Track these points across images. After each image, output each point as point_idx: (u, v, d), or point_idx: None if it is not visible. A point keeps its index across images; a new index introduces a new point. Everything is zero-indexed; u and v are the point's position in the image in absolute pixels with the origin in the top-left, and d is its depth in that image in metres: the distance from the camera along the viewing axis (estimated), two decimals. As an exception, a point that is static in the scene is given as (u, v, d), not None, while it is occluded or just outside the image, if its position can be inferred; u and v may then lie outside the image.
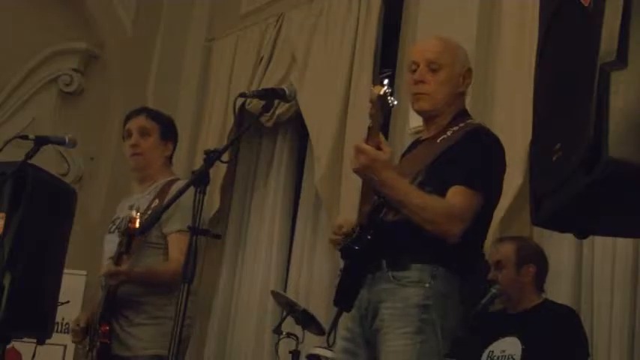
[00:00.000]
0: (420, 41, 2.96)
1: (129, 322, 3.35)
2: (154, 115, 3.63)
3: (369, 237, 2.62)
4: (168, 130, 3.61)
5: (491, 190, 2.69)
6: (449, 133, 2.73)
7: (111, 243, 3.47)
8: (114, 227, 3.54)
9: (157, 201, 3.41)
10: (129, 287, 3.34)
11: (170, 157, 3.63)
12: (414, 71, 2.79)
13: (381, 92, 2.46)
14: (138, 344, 3.33)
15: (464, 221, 2.58)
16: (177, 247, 3.32)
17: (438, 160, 2.67)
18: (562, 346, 3.39)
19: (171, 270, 3.32)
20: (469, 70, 2.84)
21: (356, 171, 2.53)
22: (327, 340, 3.33)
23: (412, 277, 2.57)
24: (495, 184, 2.73)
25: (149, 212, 3.37)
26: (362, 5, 5.19)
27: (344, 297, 2.73)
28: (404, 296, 2.56)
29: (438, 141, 2.73)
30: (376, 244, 2.62)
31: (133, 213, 3.25)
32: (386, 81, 2.47)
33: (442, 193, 2.59)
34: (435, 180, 2.60)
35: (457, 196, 2.58)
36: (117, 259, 3.26)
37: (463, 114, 2.83)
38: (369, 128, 2.47)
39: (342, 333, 2.78)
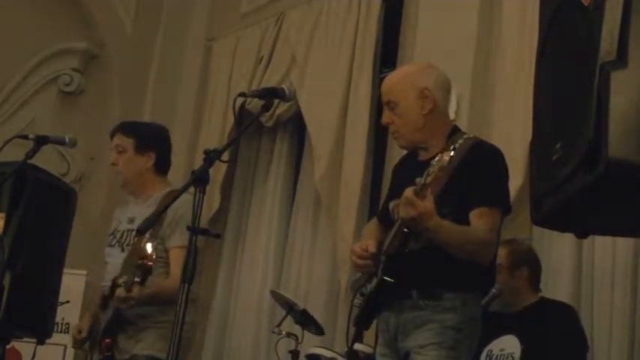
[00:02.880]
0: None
1: (135, 327, 3.37)
2: (129, 130, 3.61)
3: (391, 280, 2.68)
4: (143, 142, 3.57)
5: (506, 202, 2.78)
6: (452, 153, 2.73)
7: (113, 257, 3.47)
8: (114, 241, 3.54)
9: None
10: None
11: (158, 166, 3.59)
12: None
13: (451, 159, 2.48)
14: (136, 345, 3.35)
15: (494, 244, 2.71)
16: (177, 261, 3.31)
17: (450, 183, 2.67)
18: (560, 341, 3.40)
19: (173, 287, 3.29)
20: (427, 88, 2.82)
21: (403, 220, 2.56)
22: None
23: (445, 305, 2.66)
24: (508, 195, 2.81)
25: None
26: (362, 5, 5.19)
27: (366, 319, 2.82)
28: (438, 319, 2.65)
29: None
30: (404, 273, 2.66)
31: (148, 247, 3.18)
32: (452, 147, 2.51)
33: (460, 215, 2.64)
34: (450, 203, 2.61)
35: (483, 218, 2.66)
36: (129, 286, 3.19)
37: (456, 130, 2.88)
38: (425, 184, 2.46)
39: (379, 349, 2.86)
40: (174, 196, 2.81)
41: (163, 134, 3.70)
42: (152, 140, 3.61)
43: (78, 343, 3.49)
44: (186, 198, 3.12)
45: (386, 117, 2.88)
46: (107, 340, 3.35)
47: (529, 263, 3.66)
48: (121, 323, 3.37)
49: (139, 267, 3.17)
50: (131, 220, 3.50)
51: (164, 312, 3.34)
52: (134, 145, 3.55)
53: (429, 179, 2.43)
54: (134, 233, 3.42)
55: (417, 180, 2.48)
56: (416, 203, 2.46)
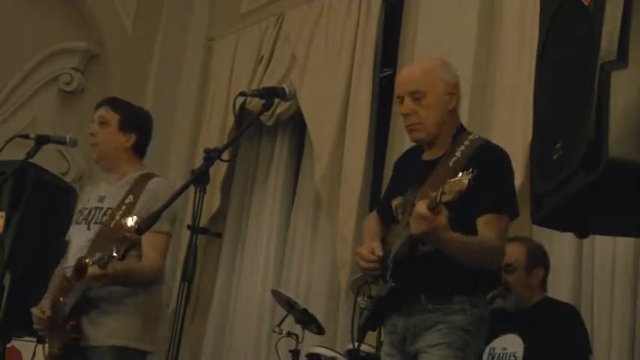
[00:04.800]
0: (401, 73, 3.00)
1: (100, 311, 3.25)
2: (117, 106, 3.57)
3: (393, 285, 2.68)
4: (128, 121, 3.52)
5: (514, 208, 2.74)
6: (458, 154, 2.72)
7: (77, 236, 3.37)
8: (81, 218, 3.43)
9: (131, 197, 3.34)
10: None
11: (136, 149, 3.54)
12: (402, 103, 2.83)
13: (469, 183, 2.40)
14: (100, 334, 3.24)
15: (503, 251, 2.73)
16: (151, 245, 3.27)
17: None
18: (564, 343, 3.40)
19: (147, 269, 3.28)
20: (455, 85, 2.83)
21: (416, 235, 2.53)
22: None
23: (454, 307, 2.65)
24: (516, 200, 2.77)
25: (123, 208, 3.31)
26: (362, 5, 5.20)
27: (374, 323, 2.84)
28: (448, 321, 2.64)
29: (451, 164, 2.70)
30: (413, 278, 2.66)
31: (129, 221, 3.00)
32: (471, 169, 2.43)
33: (465, 220, 2.60)
34: (455, 208, 2.53)
35: (491, 224, 2.64)
36: (105, 263, 3.08)
37: (461, 130, 2.86)
38: (440, 203, 2.41)
39: (385, 350, 2.86)
40: (173, 194, 2.79)
41: (148, 119, 3.65)
42: (136, 122, 3.57)
43: (42, 324, 3.33)
44: (166, 183, 3.37)
45: (407, 107, 2.79)
46: (74, 322, 3.23)
47: (545, 264, 3.65)
48: (87, 306, 3.26)
49: (122, 240, 3.03)
50: (101, 199, 3.43)
51: (129, 293, 3.27)
52: (118, 121, 3.50)
53: (444, 198, 2.38)
54: (104, 212, 3.36)
55: (431, 195, 2.44)
56: (429, 219, 2.44)
